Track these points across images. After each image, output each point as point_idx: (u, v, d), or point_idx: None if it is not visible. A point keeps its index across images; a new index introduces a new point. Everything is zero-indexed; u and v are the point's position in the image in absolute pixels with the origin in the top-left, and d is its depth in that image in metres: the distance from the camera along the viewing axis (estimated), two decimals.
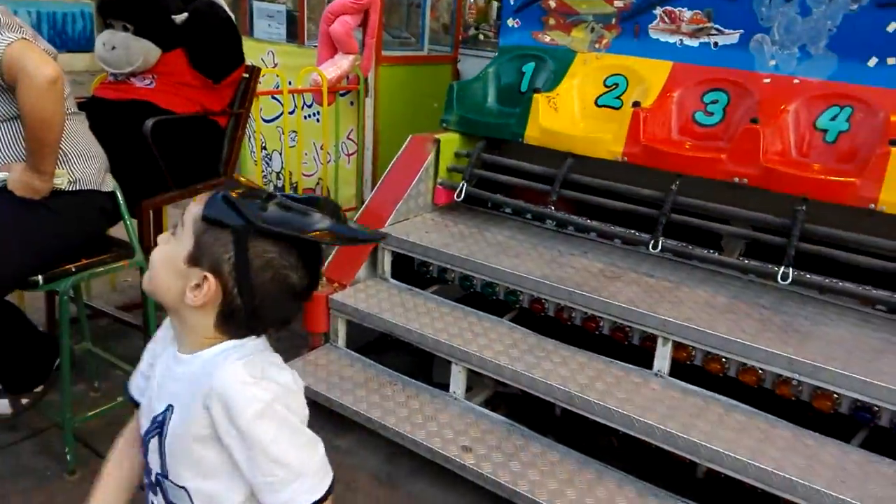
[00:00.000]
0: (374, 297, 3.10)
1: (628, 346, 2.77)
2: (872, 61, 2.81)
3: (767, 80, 2.99)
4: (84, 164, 2.43)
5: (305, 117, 4.83)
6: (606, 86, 3.32)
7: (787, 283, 2.62)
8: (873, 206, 2.54)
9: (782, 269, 2.62)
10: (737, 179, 2.79)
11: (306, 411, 1.12)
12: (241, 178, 1.32)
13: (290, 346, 3.43)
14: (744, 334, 2.44)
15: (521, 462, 2.45)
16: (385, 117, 4.77)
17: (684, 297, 2.72)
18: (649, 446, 2.49)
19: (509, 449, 2.51)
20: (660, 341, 2.59)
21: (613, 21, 3.34)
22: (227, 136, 3.30)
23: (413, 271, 3.35)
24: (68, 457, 2.55)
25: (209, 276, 1.04)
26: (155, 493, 1.21)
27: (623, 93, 3.26)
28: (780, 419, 2.35)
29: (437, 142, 3.43)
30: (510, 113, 3.39)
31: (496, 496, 2.42)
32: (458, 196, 3.36)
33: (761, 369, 2.43)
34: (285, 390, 1.07)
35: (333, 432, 2.89)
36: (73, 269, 2.41)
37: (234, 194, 1.03)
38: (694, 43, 3.16)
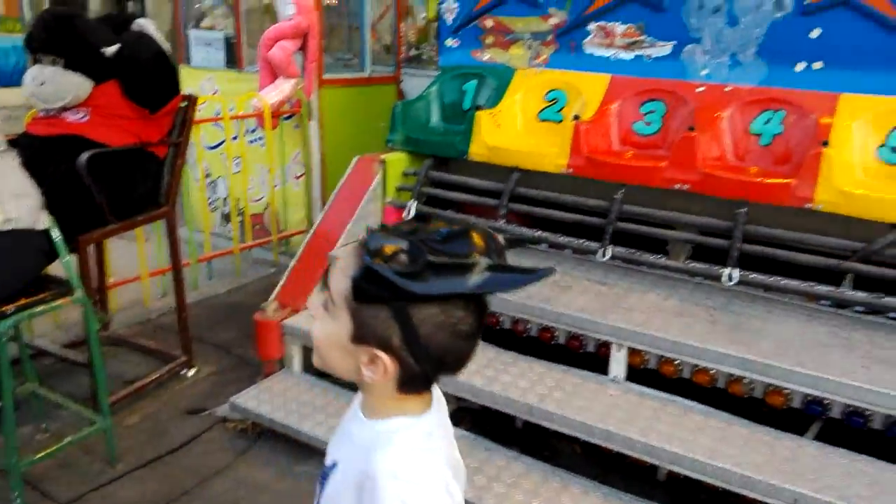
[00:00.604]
0: None
1: (584, 354, 2.80)
2: (800, 66, 2.93)
3: (701, 89, 3.09)
4: (17, 204, 2.34)
5: (250, 142, 4.77)
6: (547, 100, 3.38)
7: (733, 283, 2.70)
8: (810, 205, 2.64)
9: (727, 270, 2.69)
10: (678, 186, 2.87)
11: None
12: (384, 225, 1.09)
13: (246, 375, 3.36)
14: (694, 336, 2.50)
15: (485, 476, 2.43)
16: (331, 139, 4.76)
17: (635, 303, 2.77)
18: (609, 452, 2.52)
19: (473, 463, 2.49)
20: (614, 347, 2.63)
21: (549, 38, 3.41)
22: (167, 165, 3.23)
23: None
24: (17, 502, 2.42)
25: (380, 353, 0.96)
26: None
27: (564, 107, 3.33)
28: (736, 416, 2.41)
29: (384, 162, 3.43)
30: (455, 131, 3.42)
31: None
32: (408, 215, 3.36)
33: (714, 369, 2.48)
34: (431, 499, 1.00)
35: (294, 459, 2.83)
36: (11, 310, 2.32)
37: (377, 259, 0.91)
38: (629, 56, 3.26)
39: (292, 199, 4.80)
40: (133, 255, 4.09)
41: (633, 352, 2.63)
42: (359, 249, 0.95)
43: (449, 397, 2.89)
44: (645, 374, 2.65)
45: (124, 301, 4.12)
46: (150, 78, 3.02)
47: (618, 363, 2.63)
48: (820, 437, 2.33)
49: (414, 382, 1.00)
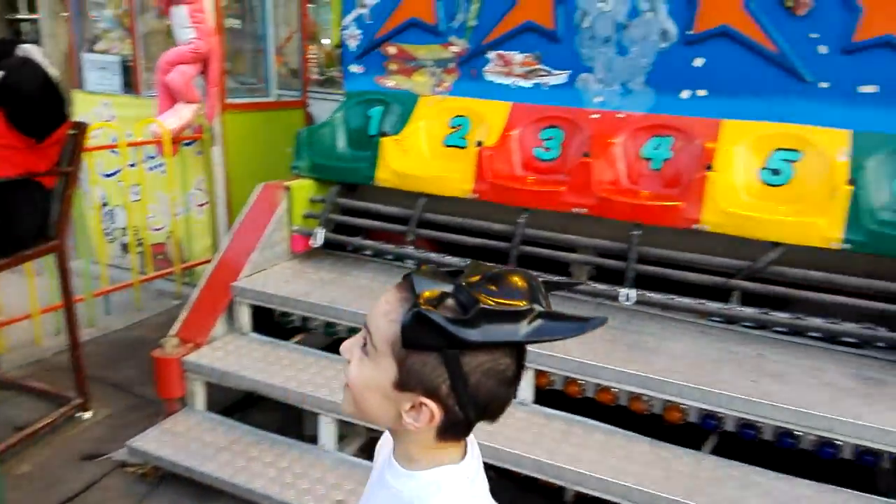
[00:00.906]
0: (232, 353, 2.97)
1: None
2: (685, 93, 3.10)
3: (596, 116, 3.22)
4: None
5: (149, 169, 4.59)
6: (451, 126, 3.43)
7: (630, 303, 2.81)
8: (697, 225, 2.78)
9: (625, 290, 2.80)
10: (576, 210, 2.97)
11: None
12: (423, 267, 0.99)
13: (147, 415, 3.21)
14: (596, 356, 2.58)
15: None
16: (236, 166, 4.64)
17: None
18: (520, 475, 2.55)
19: None
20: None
21: (451, 65, 3.47)
22: (56, 196, 3.06)
23: (274, 323, 3.25)
24: None
25: (427, 401, 0.92)
26: None
27: (468, 133, 3.39)
28: (638, 434, 2.49)
29: (289, 189, 3.38)
30: (361, 157, 3.42)
31: None
32: (316, 242, 3.32)
33: (615, 388, 2.57)
34: None
35: (198, 501, 2.72)
36: None
37: (427, 305, 0.88)
38: (528, 84, 3.35)
39: (196, 228, 4.65)
40: (24, 291, 3.85)
41: (539, 374, 2.69)
42: (404, 293, 0.92)
43: (359, 428, 2.88)
44: (552, 395, 2.70)
45: (14, 340, 3.87)
46: (35, 106, 2.87)
47: (525, 386, 2.67)
48: (717, 451, 2.44)
49: (455, 430, 0.96)
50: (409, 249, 3.23)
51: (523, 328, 0.87)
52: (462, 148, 3.35)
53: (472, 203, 3.18)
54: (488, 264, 0.95)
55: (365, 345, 0.96)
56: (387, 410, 0.96)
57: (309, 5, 5.44)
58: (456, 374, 0.90)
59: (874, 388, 2.34)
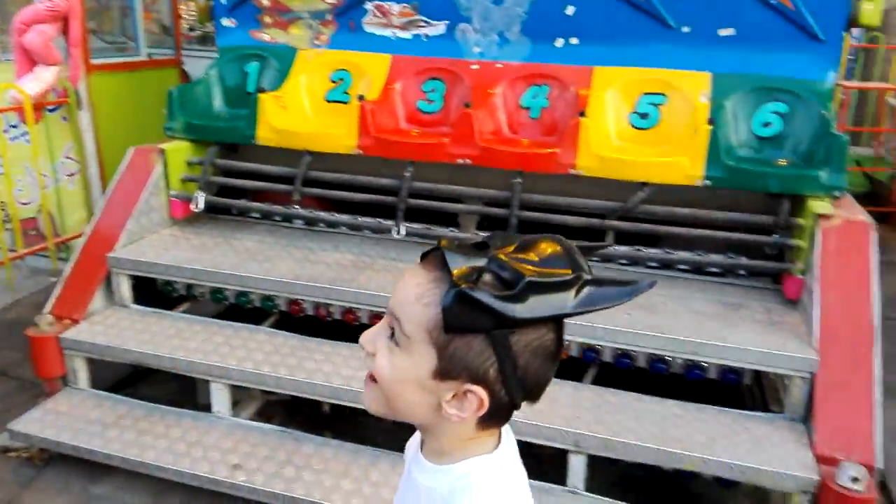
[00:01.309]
0: (114, 327, 2.85)
1: None
2: (559, 42, 3.17)
3: (475, 66, 3.24)
4: None
5: (11, 139, 4.25)
6: (332, 81, 3.36)
7: None
8: (573, 170, 2.88)
9: None
10: (461, 161, 3.00)
11: None
12: (443, 242, 0.85)
13: (28, 398, 3.04)
14: None
15: (294, 466, 2.43)
16: (108, 131, 4.37)
17: None
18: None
19: (281, 456, 2.47)
20: None
21: (328, 17, 3.37)
22: None
23: (158, 293, 3.14)
24: None
25: (474, 387, 0.83)
26: None
27: (349, 87, 3.33)
28: None
29: (163, 152, 3.22)
30: (239, 115, 3.30)
31: None
32: (196, 206, 3.20)
33: None
34: None
35: (89, 480, 2.63)
36: None
37: (467, 283, 0.78)
38: (407, 35, 3.32)
39: (68, 200, 4.37)
40: None
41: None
42: (435, 272, 0.83)
43: (255, 393, 2.86)
44: None
45: None
46: None
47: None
48: (597, 382, 2.59)
49: (498, 416, 0.88)
50: (297, 209, 3.17)
51: (571, 299, 0.80)
52: (345, 103, 3.29)
53: (358, 158, 3.15)
54: (515, 234, 0.87)
55: (393, 334, 0.87)
56: (424, 403, 0.87)
57: None
58: (505, 356, 0.81)
59: (735, 313, 2.55)
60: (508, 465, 0.93)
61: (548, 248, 0.83)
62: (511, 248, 0.82)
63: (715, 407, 2.36)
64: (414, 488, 0.96)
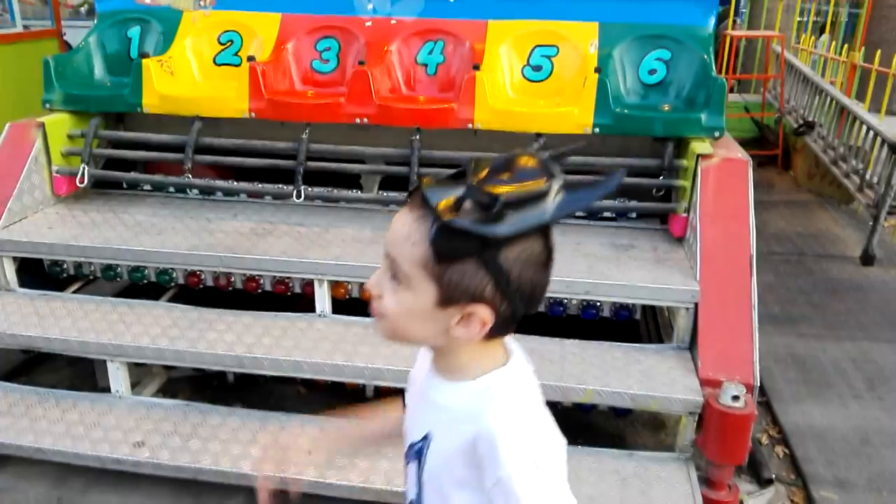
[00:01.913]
0: None
1: (294, 296, 2.84)
2: None
3: (369, 24, 3.19)
4: None
5: None
6: (221, 43, 3.24)
7: None
8: (471, 125, 2.90)
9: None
10: (358, 120, 2.96)
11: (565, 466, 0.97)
12: (425, 180, 0.91)
13: None
14: None
15: (200, 439, 2.38)
16: None
17: (333, 238, 2.85)
18: (327, 384, 2.62)
19: (186, 430, 2.42)
20: (316, 284, 2.69)
21: None
22: None
23: (46, 275, 2.98)
24: None
25: (476, 307, 0.89)
26: None
27: (240, 49, 3.22)
28: None
29: (42, 126, 3.03)
30: (122, 83, 3.14)
31: (182, 481, 2.34)
32: (82, 182, 3.04)
33: None
34: (555, 443, 0.95)
35: None
36: None
37: (448, 214, 0.83)
38: None
39: None
40: None
41: (335, 285, 2.72)
42: (418, 211, 0.87)
43: (157, 370, 2.78)
44: (352, 303, 2.76)
45: None
46: None
47: (322, 298, 2.70)
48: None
49: (503, 327, 0.94)
50: (191, 179, 3.06)
51: (550, 206, 0.85)
52: (235, 66, 3.18)
53: (253, 123, 3.06)
54: (491, 155, 0.90)
55: (394, 275, 0.91)
56: (432, 330, 0.93)
57: None
58: (498, 272, 0.87)
59: (625, 253, 2.65)
60: (523, 376, 0.99)
61: (524, 161, 0.87)
62: (484, 173, 0.86)
63: (608, 342, 2.46)
64: (432, 407, 1.01)
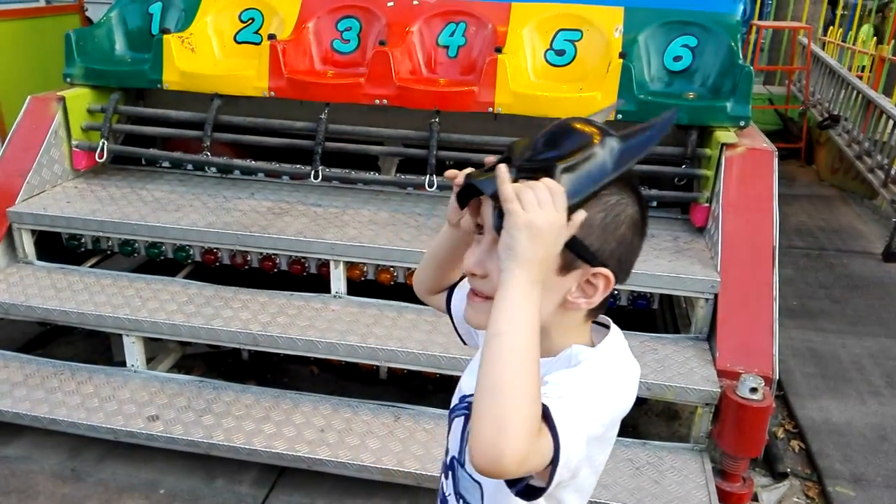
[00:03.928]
0: (17, 285, 2.71)
1: (309, 276, 2.83)
2: None
3: (391, 4, 3.15)
4: None
5: None
6: (242, 21, 3.23)
7: (434, 189, 2.87)
8: (492, 109, 2.87)
9: (427, 177, 2.85)
10: (378, 101, 2.94)
11: (617, 413, 0.91)
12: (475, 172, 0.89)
13: None
14: (402, 242, 2.64)
15: (214, 414, 2.39)
16: (6, 82, 4.10)
17: (350, 220, 2.84)
18: (341, 364, 2.62)
19: (200, 405, 2.43)
20: (332, 265, 2.69)
21: None
22: None
23: (65, 249, 3.00)
24: None
25: (600, 269, 0.86)
26: (447, 477, 1.06)
27: (261, 27, 3.20)
28: None
29: (63, 100, 3.04)
30: (143, 59, 3.13)
31: (195, 455, 2.35)
32: (101, 157, 3.04)
33: None
34: (614, 403, 0.89)
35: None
36: None
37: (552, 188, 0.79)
38: None
39: None
40: None
41: (350, 266, 2.71)
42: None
43: (173, 346, 2.79)
44: (367, 285, 2.75)
45: None
46: None
47: (337, 279, 2.70)
48: None
49: (605, 300, 0.91)
50: (210, 156, 3.05)
51: (608, 160, 0.83)
52: (256, 44, 3.16)
53: (272, 102, 3.05)
54: (526, 138, 0.88)
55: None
56: (548, 304, 0.87)
57: None
58: (588, 236, 0.84)
59: (645, 242, 2.60)
60: (620, 349, 0.95)
61: (564, 131, 0.85)
62: (528, 153, 0.84)
63: (625, 331, 2.42)
64: None
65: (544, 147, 0.84)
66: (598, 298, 0.88)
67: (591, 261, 0.86)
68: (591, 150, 0.82)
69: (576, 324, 0.92)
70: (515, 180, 0.80)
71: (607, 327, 0.97)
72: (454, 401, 1.05)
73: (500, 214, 0.80)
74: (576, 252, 0.85)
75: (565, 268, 0.86)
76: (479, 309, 0.89)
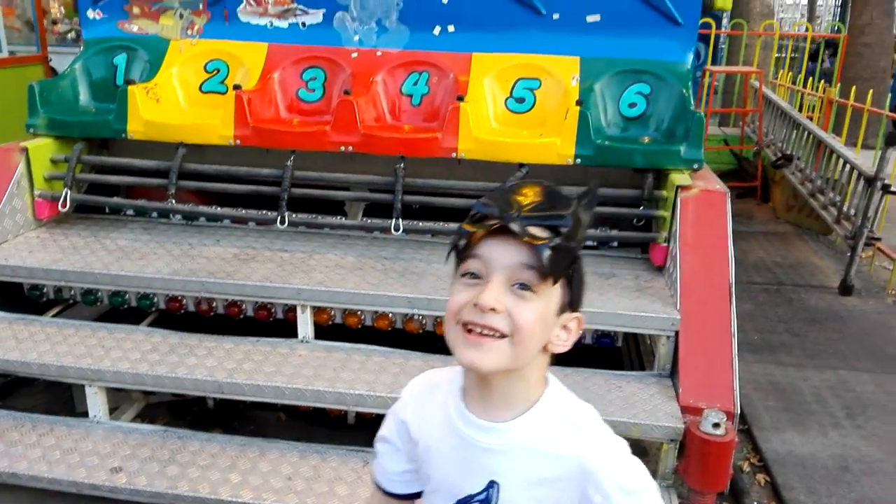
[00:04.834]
0: None
1: (276, 322, 2.83)
2: (437, 29, 3.22)
3: (355, 55, 3.24)
4: None
5: None
6: (208, 71, 3.28)
7: (400, 233, 2.92)
8: (455, 154, 2.94)
9: (393, 221, 2.90)
10: (343, 148, 2.99)
11: None
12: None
13: None
14: (369, 286, 2.66)
15: (179, 465, 2.35)
16: None
17: (316, 264, 2.86)
18: (308, 410, 2.61)
19: (164, 455, 2.39)
20: (299, 309, 2.69)
21: (201, 6, 3.29)
22: None
23: (27, 299, 2.96)
24: None
25: (578, 315, 1.00)
26: None
27: (226, 77, 3.26)
28: (413, 351, 2.62)
29: (26, 150, 3.03)
30: (107, 109, 3.15)
31: None
32: (64, 206, 3.03)
33: (389, 313, 2.68)
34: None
35: None
36: None
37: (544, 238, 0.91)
38: (284, 24, 3.28)
39: None
40: None
41: (318, 310, 2.72)
42: (516, 239, 0.92)
43: (136, 395, 2.75)
44: (335, 329, 2.76)
45: None
46: None
47: (304, 324, 2.70)
48: None
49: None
50: (174, 204, 3.06)
51: (581, 208, 0.96)
52: (221, 93, 3.21)
53: (239, 150, 3.08)
54: (501, 189, 0.98)
55: (521, 286, 0.93)
56: (540, 343, 0.97)
57: None
58: (580, 278, 0.99)
59: (606, 281, 2.68)
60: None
61: (538, 190, 0.96)
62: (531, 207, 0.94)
63: (590, 369, 2.47)
64: (484, 452, 0.99)
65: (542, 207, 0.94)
66: (572, 340, 1.00)
67: (573, 303, 0.99)
68: (572, 204, 0.95)
69: (544, 368, 1.00)
70: (525, 228, 0.91)
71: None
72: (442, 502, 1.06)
73: (553, 257, 0.92)
74: (571, 290, 0.98)
75: (563, 309, 0.98)
76: (491, 348, 0.94)
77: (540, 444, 0.97)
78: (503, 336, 0.92)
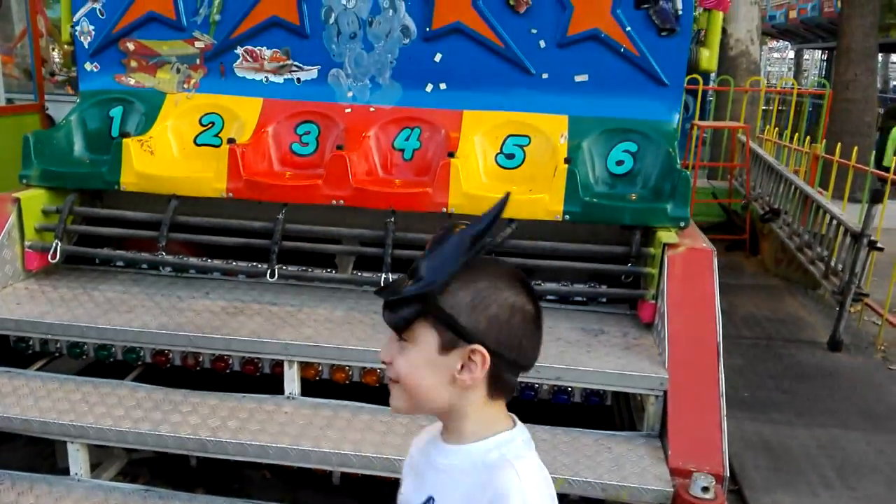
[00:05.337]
0: None
1: (263, 377, 2.80)
2: (429, 87, 3.29)
3: (349, 110, 3.30)
4: None
5: None
6: (203, 124, 3.32)
7: None
8: (445, 209, 2.97)
9: (383, 275, 2.90)
10: (335, 202, 3.02)
11: None
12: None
13: None
14: (358, 341, 2.65)
15: None
16: None
17: (305, 318, 2.85)
18: (293, 468, 2.56)
19: None
20: (286, 365, 2.67)
21: (198, 61, 3.35)
22: None
23: (12, 351, 2.92)
24: None
25: (475, 346, 1.01)
26: None
27: (220, 131, 3.30)
28: None
29: (18, 201, 3.04)
30: (101, 161, 3.18)
31: None
32: (53, 258, 3.03)
33: (378, 369, 2.66)
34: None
35: None
36: None
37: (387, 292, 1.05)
38: (279, 79, 3.34)
39: None
40: None
41: (305, 366, 2.70)
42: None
43: (118, 452, 2.70)
44: (323, 385, 2.73)
45: None
46: None
47: (291, 380, 2.67)
48: None
49: (503, 380, 1.05)
50: (165, 256, 3.07)
51: (462, 244, 1.03)
52: (216, 147, 3.24)
53: (230, 203, 3.10)
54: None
55: (400, 338, 1.05)
56: (440, 383, 1.03)
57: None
58: (456, 316, 1.00)
59: (595, 338, 2.68)
60: (529, 439, 1.09)
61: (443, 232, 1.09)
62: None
63: (578, 429, 2.45)
64: (434, 470, 1.09)
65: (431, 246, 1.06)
66: (479, 374, 1.02)
67: (465, 337, 1.01)
68: (447, 240, 1.04)
69: (481, 404, 1.05)
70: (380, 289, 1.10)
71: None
72: None
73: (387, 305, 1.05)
74: (449, 328, 1.00)
75: (446, 347, 1.02)
76: (393, 394, 1.09)
77: (471, 474, 1.04)
78: (395, 381, 1.07)
